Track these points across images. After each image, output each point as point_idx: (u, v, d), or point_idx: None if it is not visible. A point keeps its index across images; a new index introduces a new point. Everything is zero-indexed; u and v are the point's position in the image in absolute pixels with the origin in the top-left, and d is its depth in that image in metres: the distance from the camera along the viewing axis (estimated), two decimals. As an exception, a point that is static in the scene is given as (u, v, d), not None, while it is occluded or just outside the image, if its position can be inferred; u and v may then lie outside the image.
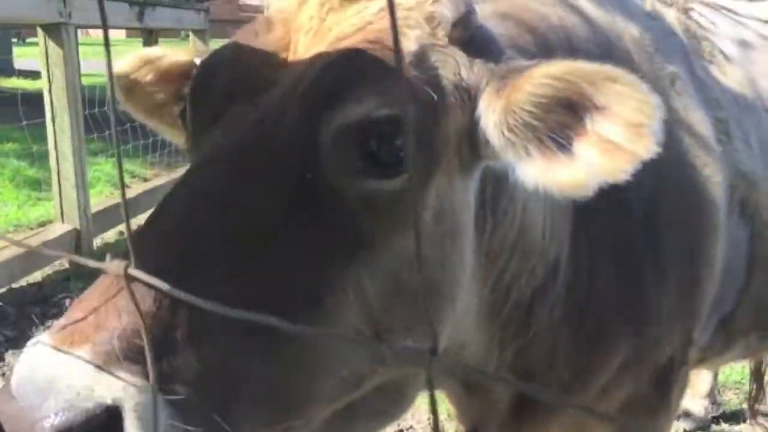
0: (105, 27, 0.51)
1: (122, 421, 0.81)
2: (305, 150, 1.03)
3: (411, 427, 3.49)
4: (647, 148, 1.02)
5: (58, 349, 0.82)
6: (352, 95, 1.03)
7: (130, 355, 0.83)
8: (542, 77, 1.09)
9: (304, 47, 1.13)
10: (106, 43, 0.56)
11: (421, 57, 1.12)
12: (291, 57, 1.13)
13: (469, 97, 1.14)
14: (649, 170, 1.66)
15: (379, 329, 1.07)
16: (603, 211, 1.58)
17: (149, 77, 1.44)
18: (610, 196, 1.61)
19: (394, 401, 1.26)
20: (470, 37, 1.19)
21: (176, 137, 1.52)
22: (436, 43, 1.16)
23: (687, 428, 3.51)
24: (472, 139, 1.15)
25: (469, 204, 1.22)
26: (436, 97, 1.10)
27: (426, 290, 1.11)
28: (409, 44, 1.11)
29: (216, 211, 1.00)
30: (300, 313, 0.97)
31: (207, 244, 0.97)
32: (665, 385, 1.83)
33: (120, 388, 0.81)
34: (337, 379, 1.06)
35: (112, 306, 0.85)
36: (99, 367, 0.81)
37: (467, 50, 1.17)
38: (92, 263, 0.69)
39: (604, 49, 1.70)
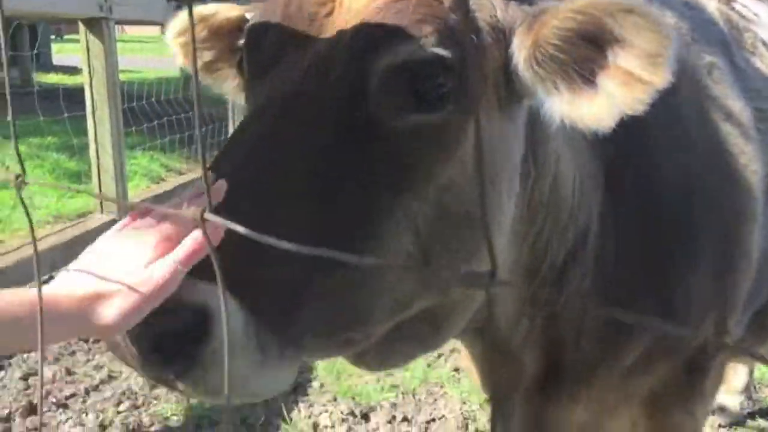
0: (192, 27, 0.54)
1: (208, 319, 0.94)
2: (354, 91, 1.11)
3: (443, 416, 3.52)
4: (662, 78, 1.06)
5: None
6: (397, 38, 1.11)
7: (210, 272, 0.95)
8: (566, 12, 1.15)
9: None
10: (193, 39, 0.60)
11: (459, 1, 1.18)
12: (337, 7, 1.20)
13: (504, 36, 1.22)
14: (683, 156, 1.68)
15: (427, 252, 1.16)
16: (634, 194, 1.61)
17: (203, 34, 1.54)
18: (641, 179, 1.64)
19: (437, 328, 1.35)
20: None
21: (232, 91, 1.63)
22: None
23: (722, 423, 3.49)
24: (508, 77, 1.23)
25: (508, 146, 1.28)
26: (474, 39, 1.17)
27: (465, 222, 1.19)
28: None
29: (273, 152, 1.09)
30: (357, 240, 1.08)
31: (267, 184, 1.06)
32: (699, 373, 1.83)
33: (203, 293, 0.94)
34: (389, 299, 1.16)
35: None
36: (186, 279, 0.95)
37: None
38: (169, 210, 0.74)
39: None
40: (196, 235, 0.96)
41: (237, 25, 1.51)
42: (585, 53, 1.14)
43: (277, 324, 1.01)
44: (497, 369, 1.79)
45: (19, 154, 0.93)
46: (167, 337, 0.94)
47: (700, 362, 1.82)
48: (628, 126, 1.63)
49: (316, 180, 1.07)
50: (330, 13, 1.18)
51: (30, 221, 0.95)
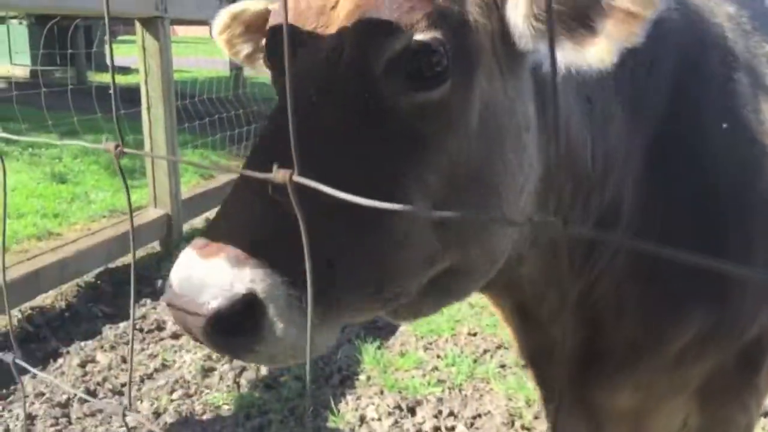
0: (287, 27, 0.58)
1: (257, 303, 1.04)
2: (362, 79, 1.20)
3: (489, 412, 3.53)
4: (654, 9, 1.14)
5: (205, 258, 1.06)
6: (392, 30, 1.19)
7: (255, 257, 1.06)
8: None
9: None
10: (286, 18, 0.64)
11: None
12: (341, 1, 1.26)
13: (495, 4, 1.28)
14: (738, 142, 1.67)
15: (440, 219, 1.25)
16: (685, 177, 1.61)
17: (238, 30, 1.64)
18: (694, 162, 1.63)
19: (459, 282, 1.41)
20: None
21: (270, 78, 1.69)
22: None
23: (775, 426, 3.42)
24: (506, 39, 1.28)
25: (512, 107, 1.33)
26: (463, 13, 1.24)
27: (472, 184, 1.27)
28: None
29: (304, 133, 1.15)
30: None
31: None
32: (753, 367, 1.81)
33: (250, 281, 1.04)
34: (415, 259, 1.25)
35: (240, 220, 1.10)
36: (234, 268, 1.04)
37: None
38: (257, 174, 0.78)
39: (696, 23, 1.70)
40: None
41: (264, 18, 1.57)
42: (580, 1, 1.20)
43: (315, 292, 1.08)
44: (529, 338, 1.82)
45: (119, 126, 1.00)
46: (228, 320, 1.04)
47: (754, 355, 1.80)
48: (681, 106, 1.63)
49: (338, 158, 1.16)
50: (335, 6, 1.24)
51: (126, 185, 1.02)
